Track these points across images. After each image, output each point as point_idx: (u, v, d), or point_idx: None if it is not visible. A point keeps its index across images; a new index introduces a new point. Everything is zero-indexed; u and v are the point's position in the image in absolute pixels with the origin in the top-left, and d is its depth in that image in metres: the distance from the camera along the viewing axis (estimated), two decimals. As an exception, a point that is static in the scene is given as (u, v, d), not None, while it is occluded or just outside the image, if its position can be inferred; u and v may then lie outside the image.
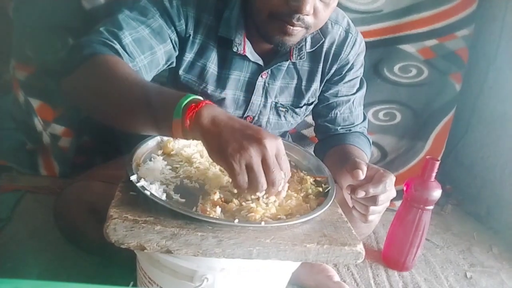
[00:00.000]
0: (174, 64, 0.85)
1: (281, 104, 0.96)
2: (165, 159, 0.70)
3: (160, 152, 0.72)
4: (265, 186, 0.56)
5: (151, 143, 0.72)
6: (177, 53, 0.84)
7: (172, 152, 0.72)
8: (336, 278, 1.00)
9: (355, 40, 0.94)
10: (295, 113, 0.98)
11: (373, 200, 0.69)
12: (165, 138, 0.74)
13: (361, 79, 1.02)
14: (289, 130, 1.10)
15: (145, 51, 0.76)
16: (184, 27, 0.81)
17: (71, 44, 0.75)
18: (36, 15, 1.16)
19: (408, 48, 1.41)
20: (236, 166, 0.54)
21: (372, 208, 0.70)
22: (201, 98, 0.59)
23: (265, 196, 0.60)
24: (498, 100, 1.52)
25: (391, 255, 1.18)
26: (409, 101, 1.48)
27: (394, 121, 1.51)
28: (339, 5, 1.35)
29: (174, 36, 0.81)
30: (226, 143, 0.54)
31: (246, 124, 0.57)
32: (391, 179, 0.70)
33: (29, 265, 0.92)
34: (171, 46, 0.81)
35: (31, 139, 1.30)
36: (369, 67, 1.41)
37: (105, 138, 1.30)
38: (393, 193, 0.72)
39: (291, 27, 0.75)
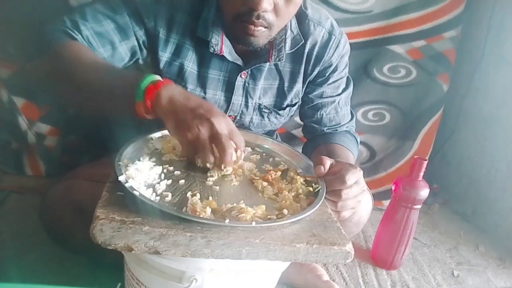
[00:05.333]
0: (141, 61, 0.88)
1: (264, 105, 0.95)
2: (154, 159, 0.69)
3: (149, 151, 0.71)
4: (211, 157, 0.62)
5: (139, 142, 0.71)
6: (145, 50, 0.86)
7: (167, 152, 0.72)
8: (325, 277, 1.00)
9: (339, 42, 0.94)
10: (278, 114, 0.98)
11: (337, 194, 0.68)
12: (159, 137, 0.74)
13: (347, 79, 1.02)
14: (274, 129, 1.10)
15: (105, 44, 0.79)
16: (153, 24, 0.83)
17: (36, 31, 0.79)
18: (20, 12, 1.14)
19: (397, 48, 1.42)
20: (185, 140, 0.61)
21: (339, 204, 0.69)
22: (159, 77, 0.64)
23: (222, 166, 0.64)
24: (485, 100, 1.54)
25: (379, 254, 1.19)
26: (398, 101, 1.49)
27: (383, 121, 1.52)
28: (330, 4, 1.37)
29: (141, 33, 0.83)
30: (180, 122, 0.61)
31: (200, 103, 0.62)
32: (352, 172, 0.68)
33: (14, 267, 0.90)
34: (136, 43, 0.83)
35: (16, 138, 1.28)
36: (358, 68, 1.42)
37: (92, 136, 1.28)
38: (360, 187, 0.70)
39: (253, 27, 0.75)
